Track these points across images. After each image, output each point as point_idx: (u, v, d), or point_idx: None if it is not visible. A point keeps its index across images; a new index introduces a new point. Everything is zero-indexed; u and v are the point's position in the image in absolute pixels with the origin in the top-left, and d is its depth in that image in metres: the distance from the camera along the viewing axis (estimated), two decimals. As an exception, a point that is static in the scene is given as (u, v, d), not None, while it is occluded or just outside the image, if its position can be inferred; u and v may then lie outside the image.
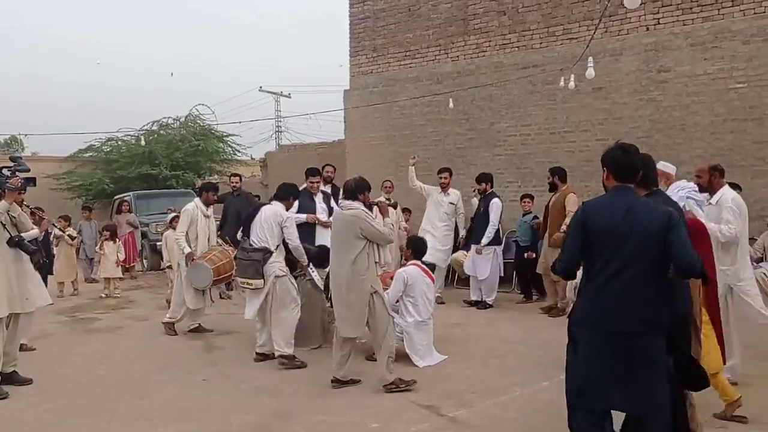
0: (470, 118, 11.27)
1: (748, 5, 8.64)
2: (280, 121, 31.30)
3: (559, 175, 8.51)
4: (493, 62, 10.97)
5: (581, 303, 3.35)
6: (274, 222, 6.22)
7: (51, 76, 76.82)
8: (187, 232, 7.35)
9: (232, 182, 10.74)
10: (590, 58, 8.67)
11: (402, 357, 6.11)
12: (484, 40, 11.12)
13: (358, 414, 4.81)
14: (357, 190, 5.43)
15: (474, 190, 9.36)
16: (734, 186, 7.11)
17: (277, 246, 6.22)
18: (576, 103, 10.01)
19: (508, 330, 7.46)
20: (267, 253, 6.10)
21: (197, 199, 7.67)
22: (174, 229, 8.26)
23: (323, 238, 7.76)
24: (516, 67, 10.67)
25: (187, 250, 7.24)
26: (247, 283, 6.13)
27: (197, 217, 7.45)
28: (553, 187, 8.49)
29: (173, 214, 9.29)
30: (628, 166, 3.46)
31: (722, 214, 5.13)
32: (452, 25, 11.54)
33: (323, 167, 8.56)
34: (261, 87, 32.43)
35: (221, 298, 9.59)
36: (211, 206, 7.72)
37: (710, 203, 5.24)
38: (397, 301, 6.16)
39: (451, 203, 9.16)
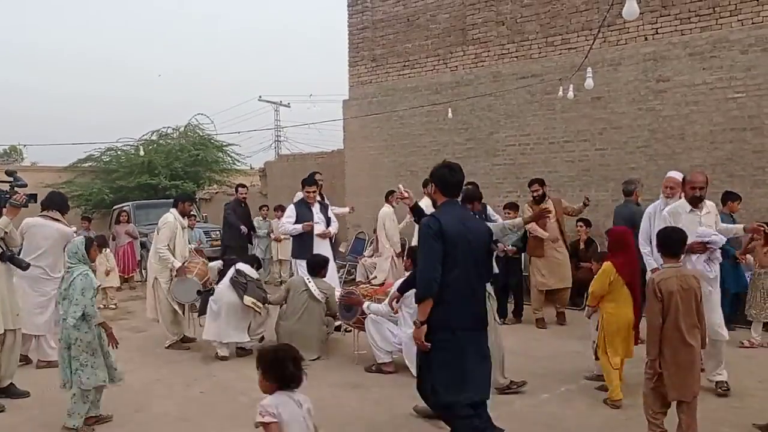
0: (469, 127, 11.27)
1: (746, 15, 8.66)
2: (280, 131, 31.34)
3: (544, 185, 8.34)
4: (491, 72, 10.99)
5: (436, 308, 3.69)
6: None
7: (50, 86, 76.99)
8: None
9: (241, 193, 11.04)
10: (589, 69, 8.68)
11: (401, 368, 6.08)
12: (483, 50, 11.14)
13: (356, 426, 4.78)
14: (466, 199, 5.65)
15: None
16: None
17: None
18: (575, 113, 10.02)
19: (508, 342, 7.37)
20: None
21: (174, 210, 7.47)
22: None
23: (321, 248, 7.75)
24: (515, 77, 10.68)
25: (177, 264, 7.12)
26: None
27: (177, 229, 7.34)
28: (541, 199, 8.18)
29: None
30: (455, 183, 3.97)
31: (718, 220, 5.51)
32: (451, 35, 11.56)
33: (313, 174, 8.69)
34: (260, 96, 32.53)
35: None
36: (187, 217, 7.65)
37: (699, 213, 5.36)
38: (396, 312, 6.12)
39: None
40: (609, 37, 9.75)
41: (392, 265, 9.59)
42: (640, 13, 9.20)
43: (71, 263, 4.74)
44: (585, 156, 9.97)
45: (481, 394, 3.80)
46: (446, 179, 3.94)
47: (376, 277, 9.87)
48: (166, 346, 7.30)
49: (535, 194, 8.19)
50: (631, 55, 9.54)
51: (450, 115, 10.98)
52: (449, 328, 3.70)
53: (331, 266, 7.66)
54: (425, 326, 3.69)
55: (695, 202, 5.37)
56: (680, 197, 5.75)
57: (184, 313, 7.47)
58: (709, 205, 5.49)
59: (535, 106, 10.48)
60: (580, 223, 9.21)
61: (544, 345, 7.22)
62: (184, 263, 7.18)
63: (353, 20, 12.92)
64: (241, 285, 6.68)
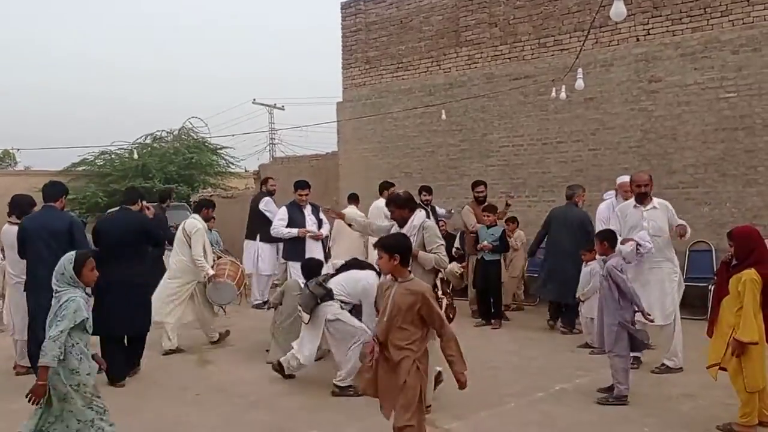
0: (463, 129, 11.30)
1: (737, 15, 8.71)
2: (274, 134, 31.29)
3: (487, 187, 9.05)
4: (485, 73, 11.03)
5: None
6: None
7: (44, 89, 76.73)
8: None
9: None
10: (580, 70, 8.71)
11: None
12: (476, 52, 11.18)
13: (353, 428, 4.79)
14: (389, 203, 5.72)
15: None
16: None
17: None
18: (568, 114, 10.06)
19: (503, 341, 7.45)
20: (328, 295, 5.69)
21: (198, 216, 7.56)
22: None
23: (313, 251, 7.77)
24: (508, 78, 10.71)
25: (211, 271, 7.19)
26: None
27: (206, 235, 7.50)
28: (484, 200, 8.80)
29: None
30: (52, 194, 5.97)
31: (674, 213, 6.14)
32: (444, 37, 11.60)
33: (266, 179, 9.79)
34: (254, 99, 32.47)
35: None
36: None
37: (643, 208, 6.09)
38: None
39: None
40: (601, 38, 9.80)
41: None
42: (632, 14, 9.29)
43: None
44: (578, 156, 10.02)
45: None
46: (45, 190, 6.03)
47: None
48: (214, 340, 7.52)
49: (479, 196, 8.81)
50: (623, 55, 9.59)
51: (444, 116, 11.00)
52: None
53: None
54: None
55: (640, 199, 6.11)
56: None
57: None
58: (657, 202, 6.15)
59: (529, 107, 10.52)
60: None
61: (538, 344, 7.26)
62: (212, 268, 7.32)
63: (346, 23, 12.94)
64: None
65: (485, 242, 8.16)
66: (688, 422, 4.67)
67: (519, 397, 5.38)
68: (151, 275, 6.68)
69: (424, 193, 9.16)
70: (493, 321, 8.25)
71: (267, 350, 6.91)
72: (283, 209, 8.01)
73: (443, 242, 5.17)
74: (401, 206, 5.22)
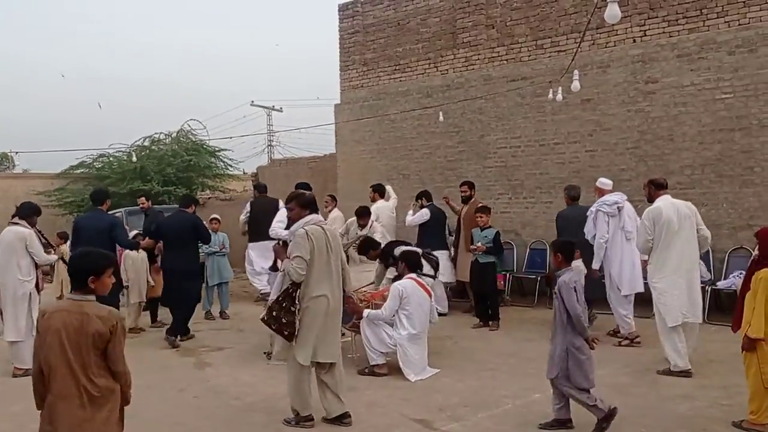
0: (460, 130, 11.32)
1: (733, 17, 8.73)
2: (272, 136, 31.30)
3: (474, 188, 9.39)
4: (482, 75, 11.04)
5: None
6: None
7: (44, 92, 76.74)
8: None
9: (140, 203, 10.77)
10: (576, 71, 8.72)
11: (395, 370, 6.10)
12: (473, 54, 11.19)
13: (350, 429, 4.79)
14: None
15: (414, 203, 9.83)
16: None
17: None
18: (565, 115, 10.08)
19: (501, 342, 7.46)
20: None
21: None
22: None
23: None
24: (505, 80, 10.73)
25: None
26: None
27: None
28: (468, 199, 9.19)
29: None
30: (97, 199, 7.70)
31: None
32: (441, 38, 11.61)
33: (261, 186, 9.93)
34: (253, 101, 32.48)
35: (219, 316, 9.63)
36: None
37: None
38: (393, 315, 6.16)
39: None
40: (598, 40, 9.82)
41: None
42: (628, 16, 9.31)
43: None
44: (575, 158, 10.03)
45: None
46: (92, 197, 7.87)
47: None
48: None
49: (463, 194, 9.24)
50: (619, 57, 9.61)
51: (441, 118, 11.00)
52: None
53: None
54: None
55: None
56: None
57: None
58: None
59: (526, 108, 10.53)
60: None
61: (536, 346, 7.25)
62: None
63: (344, 25, 12.96)
64: None
65: (478, 244, 8.17)
66: (685, 423, 4.68)
67: (516, 398, 5.39)
68: (200, 264, 8.53)
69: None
70: (491, 323, 8.25)
71: (264, 352, 6.92)
72: (283, 211, 8.01)
73: (299, 254, 4.77)
74: (289, 202, 5.14)
